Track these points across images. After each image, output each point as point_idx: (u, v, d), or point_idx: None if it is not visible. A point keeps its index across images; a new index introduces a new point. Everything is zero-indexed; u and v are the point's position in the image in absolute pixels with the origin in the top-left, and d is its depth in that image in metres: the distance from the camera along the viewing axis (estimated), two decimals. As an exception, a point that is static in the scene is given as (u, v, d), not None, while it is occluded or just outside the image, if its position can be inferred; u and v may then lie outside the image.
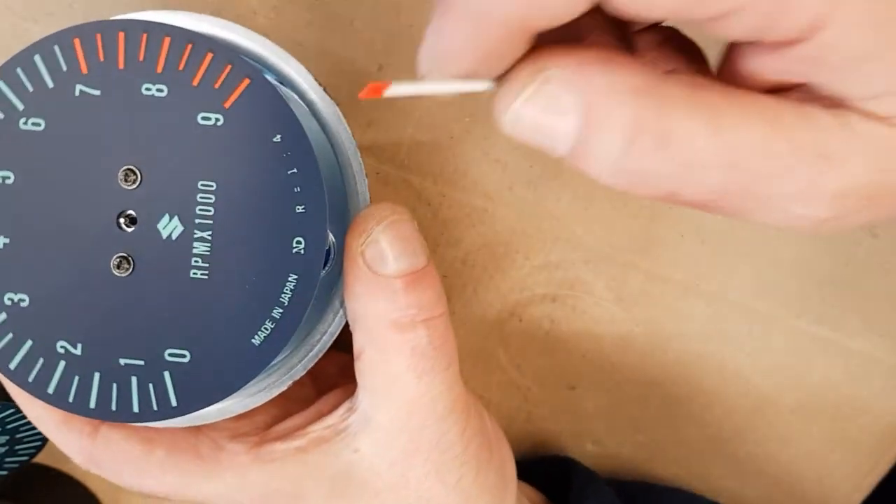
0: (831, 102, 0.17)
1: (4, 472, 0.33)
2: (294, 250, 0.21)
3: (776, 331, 0.34)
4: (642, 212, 0.32)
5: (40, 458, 0.36)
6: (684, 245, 0.33)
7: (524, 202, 0.32)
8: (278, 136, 0.21)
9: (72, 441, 0.23)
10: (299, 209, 0.21)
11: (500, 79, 0.18)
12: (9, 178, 0.21)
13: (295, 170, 0.21)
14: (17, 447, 0.32)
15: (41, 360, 0.21)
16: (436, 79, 0.18)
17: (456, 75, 0.18)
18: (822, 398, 0.36)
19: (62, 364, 0.21)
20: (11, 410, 0.31)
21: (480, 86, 0.18)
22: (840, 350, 0.34)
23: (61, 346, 0.21)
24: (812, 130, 0.17)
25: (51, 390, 0.21)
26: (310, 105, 0.24)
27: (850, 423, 0.36)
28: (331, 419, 0.24)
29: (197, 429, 0.24)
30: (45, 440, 0.33)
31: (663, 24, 0.20)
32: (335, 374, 0.30)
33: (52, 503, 0.37)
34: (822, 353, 0.35)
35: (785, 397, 0.36)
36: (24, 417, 0.31)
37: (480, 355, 0.35)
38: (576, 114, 0.17)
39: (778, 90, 0.18)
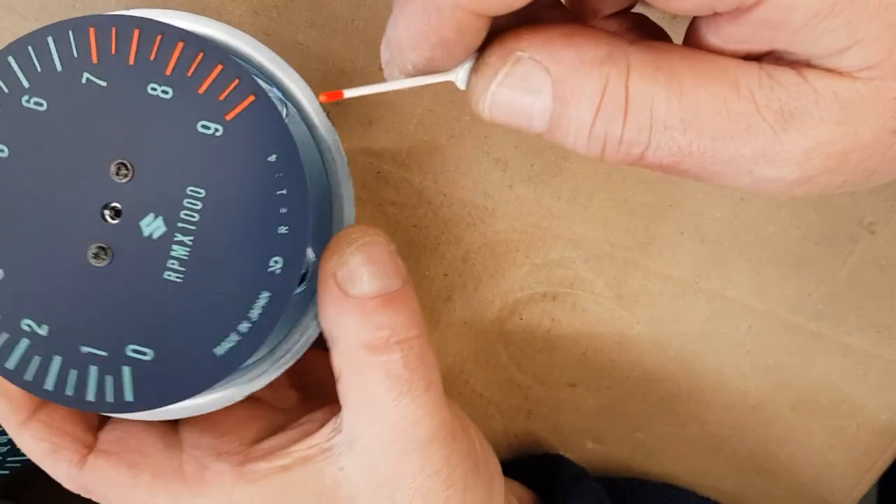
0: (796, 65, 0.17)
1: (6, 472, 0.33)
2: (270, 269, 0.22)
3: (775, 328, 0.34)
4: (642, 210, 0.32)
5: (42, 458, 0.36)
6: (684, 243, 0.33)
7: (524, 201, 0.32)
8: (273, 156, 0.22)
9: (60, 470, 0.23)
10: (282, 230, 0.22)
11: (475, 64, 0.18)
12: (2, 151, 0.21)
13: (284, 191, 0.22)
14: (19, 446, 0.32)
15: (5, 336, 0.21)
16: (395, 70, 0.19)
17: (414, 64, 0.18)
18: (821, 395, 0.36)
19: (25, 342, 0.21)
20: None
21: (437, 79, 0.19)
22: (839, 347, 0.35)
23: (26, 325, 0.21)
24: (773, 90, 0.17)
25: (10, 366, 0.21)
26: (311, 128, 0.24)
27: (848, 420, 0.36)
28: (315, 439, 0.24)
29: (181, 449, 0.24)
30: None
31: (631, 11, 0.21)
32: (319, 377, 0.30)
33: (53, 502, 0.37)
34: (821, 351, 0.35)
35: (784, 395, 0.36)
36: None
37: (481, 353, 0.35)
38: (547, 90, 0.18)
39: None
